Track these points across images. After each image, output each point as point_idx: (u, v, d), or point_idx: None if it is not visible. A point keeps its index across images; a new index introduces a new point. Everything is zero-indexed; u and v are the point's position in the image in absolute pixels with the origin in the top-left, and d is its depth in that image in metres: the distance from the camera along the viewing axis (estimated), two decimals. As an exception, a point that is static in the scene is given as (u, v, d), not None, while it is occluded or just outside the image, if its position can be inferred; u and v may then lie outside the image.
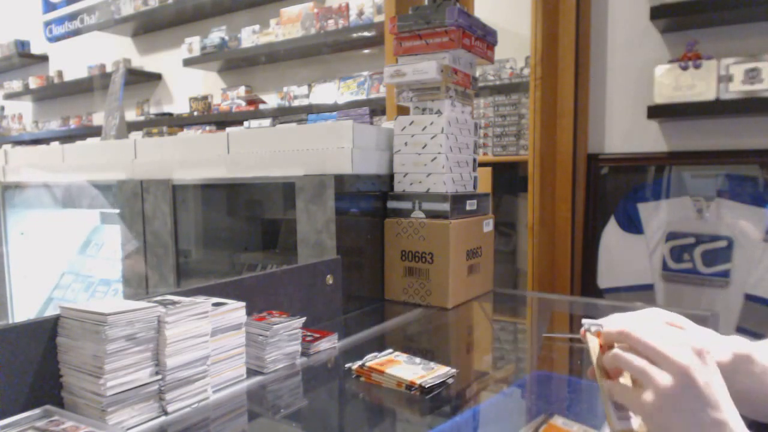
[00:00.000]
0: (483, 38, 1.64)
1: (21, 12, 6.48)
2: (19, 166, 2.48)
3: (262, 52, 4.32)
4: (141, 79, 5.42)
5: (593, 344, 0.69)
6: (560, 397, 0.99)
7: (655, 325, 0.66)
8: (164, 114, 5.21)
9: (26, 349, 0.79)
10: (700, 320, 1.35)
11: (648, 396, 0.60)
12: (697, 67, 2.12)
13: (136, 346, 0.81)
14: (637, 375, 0.62)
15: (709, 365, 0.60)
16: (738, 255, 2.18)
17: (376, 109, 3.62)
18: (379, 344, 1.24)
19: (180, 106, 5.22)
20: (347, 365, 1.03)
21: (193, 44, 4.70)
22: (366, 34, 3.82)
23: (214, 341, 0.92)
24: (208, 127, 4.61)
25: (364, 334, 1.30)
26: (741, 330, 2.17)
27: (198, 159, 1.80)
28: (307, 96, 4.20)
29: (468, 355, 1.28)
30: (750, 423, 0.76)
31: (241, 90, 4.69)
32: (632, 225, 2.41)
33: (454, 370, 0.99)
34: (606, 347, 0.68)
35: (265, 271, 1.59)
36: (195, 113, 4.84)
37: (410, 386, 0.93)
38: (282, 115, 4.20)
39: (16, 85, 6.46)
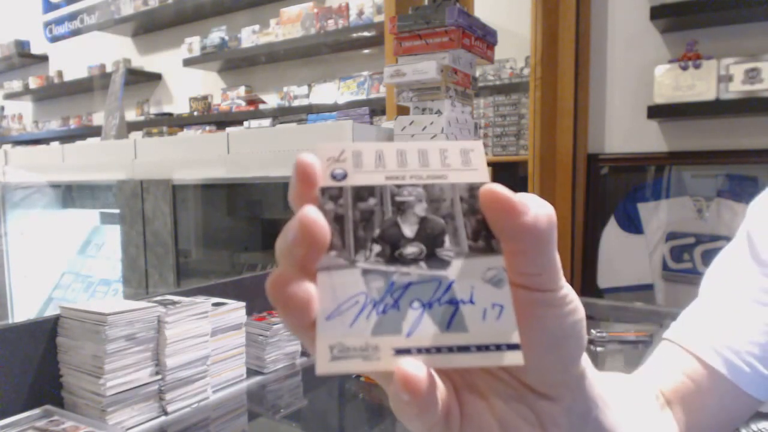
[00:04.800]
0: (483, 38, 1.64)
1: (21, 12, 6.48)
2: (20, 166, 2.48)
3: (262, 52, 4.32)
4: (141, 79, 5.42)
5: None
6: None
7: None
8: (164, 114, 5.20)
9: (26, 349, 0.79)
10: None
11: None
12: (697, 67, 2.12)
13: (136, 346, 0.81)
14: None
15: None
16: (738, 255, 2.18)
17: (376, 109, 3.62)
18: (379, 344, 1.24)
19: (180, 106, 5.22)
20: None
21: (193, 44, 4.70)
22: (366, 34, 3.82)
23: (214, 341, 0.92)
24: (208, 128, 4.61)
25: (364, 334, 1.30)
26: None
27: (198, 159, 1.80)
28: (307, 96, 4.19)
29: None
30: None
31: (241, 90, 4.69)
32: (632, 225, 2.41)
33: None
34: None
35: (266, 270, 1.59)
36: (195, 113, 4.84)
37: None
38: (282, 115, 4.19)
39: (16, 85, 6.46)
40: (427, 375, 0.24)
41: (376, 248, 0.26)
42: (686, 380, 0.56)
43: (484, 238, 0.27)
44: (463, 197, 0.27)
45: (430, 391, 0.24)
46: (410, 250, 0.26)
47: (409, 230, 0.27)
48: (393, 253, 0.26)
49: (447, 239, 0.27)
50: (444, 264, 0.26)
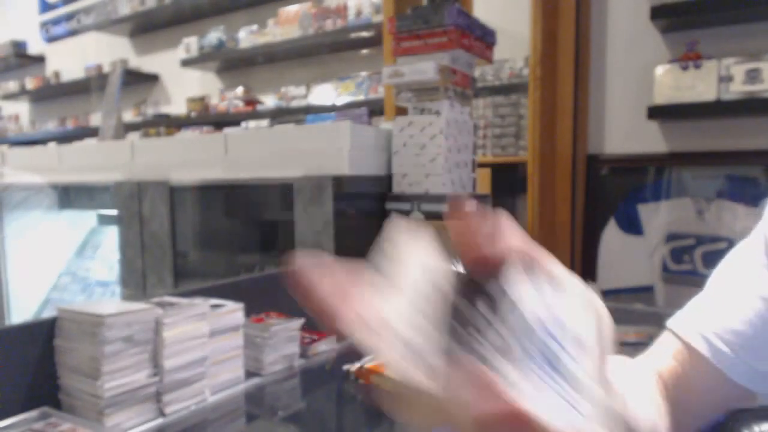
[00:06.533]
0: (482, 38, 1.63)
1: (17, 12, 6.47)
2: (17, 168, 2.47)
3: (260, 52, 4.31)
4: (138, 80, 5.40)
5: None
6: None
7: None
8: (162, 115, 5.19)
9: (23, 351, 0.78)
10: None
11: None
12: (697, 67, 2.12)
13: (134, 347, 0.80)
14: None
15: None
16: (737, 256, 2.17)
17: (375, 109, 3.61)
18: (378, 346, 1.23)
19: (178, 107, 5.21)
20: (345, 367, 1.02)
21: (190, 44, 4.68)
22: (364, 34, 3.81)
23: (212, 343, 0.91)
24: (205, 128, 4.60)
25: (363, 335, 1.29)
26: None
27: (196, 160, 1.79)
28: (305, 96, 4.19)
29: (468, 356, 1.27)
30: None
31: (239, 90, 4.68)
32: (632, 226, 2.41)
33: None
34: None
35: (264, 272, 1.58)
36: (192, 114, 4.83)
37: (411, 388, 0.92)
38: (280, 115, 4.18)
39: (12, 85, 6.44)
40: None
41: None
42: (675, 363, 0.57)
43: None
44: None
45: None
46: None
47: None
48: None
49: None
50: None
